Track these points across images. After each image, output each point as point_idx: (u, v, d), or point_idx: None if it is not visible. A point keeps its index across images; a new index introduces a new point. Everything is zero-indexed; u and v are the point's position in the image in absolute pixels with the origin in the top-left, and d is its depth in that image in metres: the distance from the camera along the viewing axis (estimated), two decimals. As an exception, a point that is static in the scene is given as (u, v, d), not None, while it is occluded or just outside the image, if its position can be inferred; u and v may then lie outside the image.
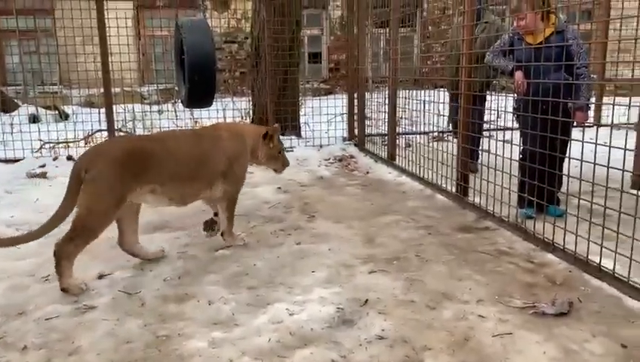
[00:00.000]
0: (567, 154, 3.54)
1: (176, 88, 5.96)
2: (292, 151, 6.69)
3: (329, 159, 6.55)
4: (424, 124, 5.61)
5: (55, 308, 2.65)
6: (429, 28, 13.65)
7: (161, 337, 2.39)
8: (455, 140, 6.09)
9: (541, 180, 3.54)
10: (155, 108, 8.10)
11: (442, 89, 6.46)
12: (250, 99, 7.91)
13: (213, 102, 5.31)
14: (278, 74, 7.16)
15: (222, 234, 3.55)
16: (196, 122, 7.77)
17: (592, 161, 2.93)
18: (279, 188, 5.11)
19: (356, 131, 7.32)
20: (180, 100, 5.91)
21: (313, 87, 13.47)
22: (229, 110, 7.66)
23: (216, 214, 3.65)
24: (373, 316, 2.54)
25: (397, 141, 6.20)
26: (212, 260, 3.32)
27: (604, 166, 2.86)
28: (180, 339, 2.36)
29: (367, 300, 2.70)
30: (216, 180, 3.36)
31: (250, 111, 7.90)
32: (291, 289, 2.86)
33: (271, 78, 7.10)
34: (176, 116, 7.80)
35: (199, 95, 4.92)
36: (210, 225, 3.68)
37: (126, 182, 2.95)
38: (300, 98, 8.03)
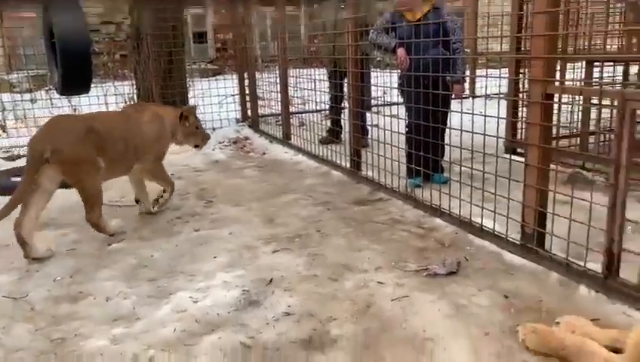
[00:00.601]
0: (447, 125, 3.79)
1: (49, 74, 5.48)
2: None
3: (223, 142, 6.44)
4: (316, 102, 5.70)
5: None
6: (314, 6, 13.74)
7: (56, 340, 2.25)
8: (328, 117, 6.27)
9: (426, 151, 3.76)
10: (27, 96, 7.40)
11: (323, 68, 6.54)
12: (134, 82, 7.50)
13: (92, 88, 4.96)
14: (162, 55, 6.83)
15: (160, 197, 3.85)
16: (75, 110, 7.23)
17: (470, 130, 3.16)
18: (172, 174, 4.93)
19: (249, 112, 7.24)
20: (54, 87, 5.46)
21: (200, 67, 13.07)
22: (110, 95, 7.21)
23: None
24: (279, 294, 2.58)
25: (291, 120, 6.24)
26: (106, 255, 3.16)
27: (481, 134, 3.11)
28: (77, 340, 2.24)
29: (271, 279, 2.73)
30: (141, 157, 3.63)
31: (135, 96, 7.49)
32: (193, 277, 2.81)
33: (154, 60, 6.76)
34: (52, 104, 7.20)
35: (74, 81, 4.56)
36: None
37: (93, 154, 3.21)
38: (188, 80, 7.76)
